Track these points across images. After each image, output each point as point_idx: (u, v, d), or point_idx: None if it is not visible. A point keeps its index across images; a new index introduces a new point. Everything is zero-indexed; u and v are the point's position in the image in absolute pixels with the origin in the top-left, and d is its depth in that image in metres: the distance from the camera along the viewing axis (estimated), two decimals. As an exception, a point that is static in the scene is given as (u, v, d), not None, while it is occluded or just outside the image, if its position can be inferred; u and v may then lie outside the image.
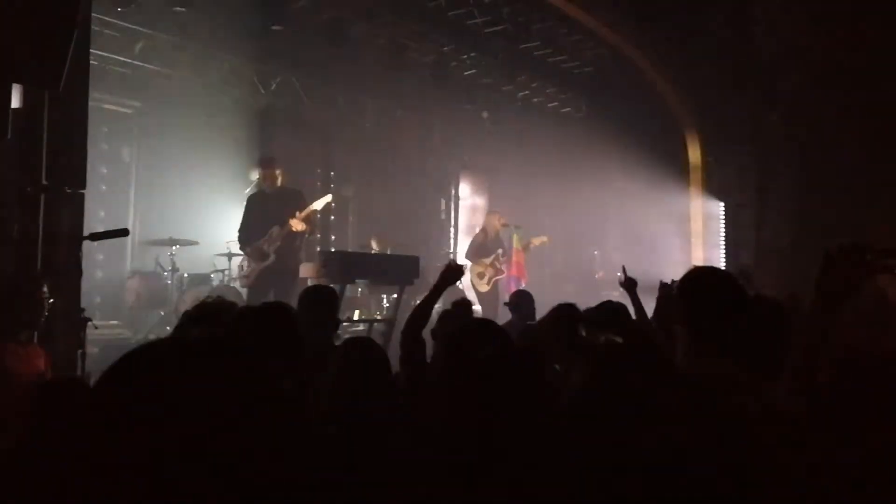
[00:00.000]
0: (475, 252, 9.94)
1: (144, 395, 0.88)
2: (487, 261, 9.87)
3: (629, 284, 4.85)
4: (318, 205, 7.56)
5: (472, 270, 9.88)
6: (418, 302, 3.90)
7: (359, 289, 8.77)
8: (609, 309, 4.56)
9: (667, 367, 2.30)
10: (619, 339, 2.68)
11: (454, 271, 3.91)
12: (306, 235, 7.45)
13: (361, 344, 3.04)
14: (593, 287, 11.73)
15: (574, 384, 2.00)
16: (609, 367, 2.06)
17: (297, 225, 7.19)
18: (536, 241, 10.44)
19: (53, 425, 1.94)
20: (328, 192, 9.13)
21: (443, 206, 14.14)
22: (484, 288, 9.83)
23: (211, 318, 2.89)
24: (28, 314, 3.97)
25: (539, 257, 11.71)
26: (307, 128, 11.75)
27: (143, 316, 9.29)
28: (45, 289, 4.08)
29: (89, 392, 0.95)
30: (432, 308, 3.81)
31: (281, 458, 0.99)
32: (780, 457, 2.07)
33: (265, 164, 7.57)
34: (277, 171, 7.47)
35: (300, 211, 7.36)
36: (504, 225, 10.19)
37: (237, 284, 8.02)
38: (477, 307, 10.23)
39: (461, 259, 11.25)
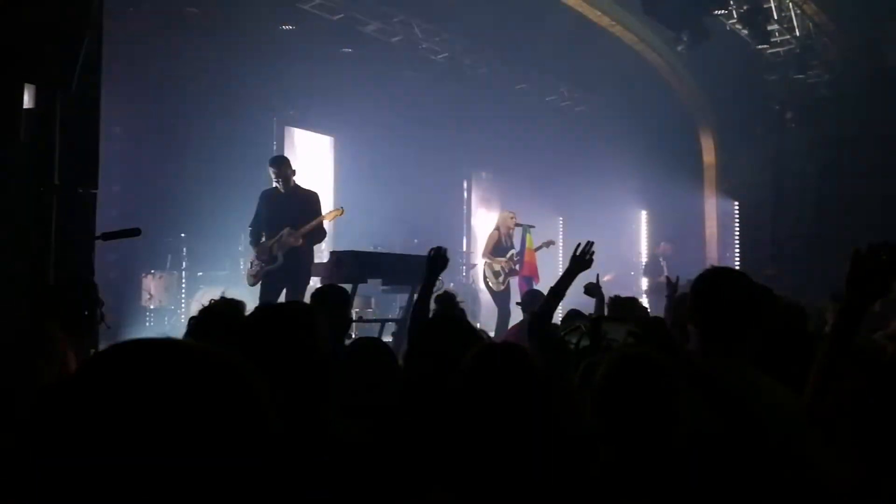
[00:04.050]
0: (491, 250, 9.93)
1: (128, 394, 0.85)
2: (503, 259, 9.85)
3: (591, 290, 4.97)
4: (328, 217, 7.51)
5: (488, 269, 9.87)
6: (415, 298, 3.89)
7: (380, 288, 8.76)
8: (622, 303, 4.56)
9: (683, 363, 2.27)
10: (637, 332, 2.65)
11: (439, 258, 3.86)
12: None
13: (370, 344, 3.03)
14: (603, 288, 11.66)
15: (597, 381, 1.99)
16: (627, 364, 2.04)
17: (291, 240, 7.16)
18: (545, 246, 10.43)
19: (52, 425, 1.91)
20: (340, 191, 9.09)
21: (456, 205, 14.12)
22: (499, 287, 9.81)
23: (218, 321, 2.87)
24: (89, 317, 3.97)
25: (553, 257, 11.69)
26: (319, 128, 11.78)
27: (156, 314, 9.35)
28: (101, 294, 4.10)
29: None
30: (429, 301, 3.81)
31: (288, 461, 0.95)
32: (797, 458, 2.04)
33: (276, 163, 7.52)
34: (290, 172, 7.42)
35: (315, 215, 7.32)
36: (517, 224, 10.16)
37: (246, 283, 8.00)
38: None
39: (478, 258, 11.24)
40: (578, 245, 3.79)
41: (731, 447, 2.04)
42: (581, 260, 3.73)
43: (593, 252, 3.76)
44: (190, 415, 0.84)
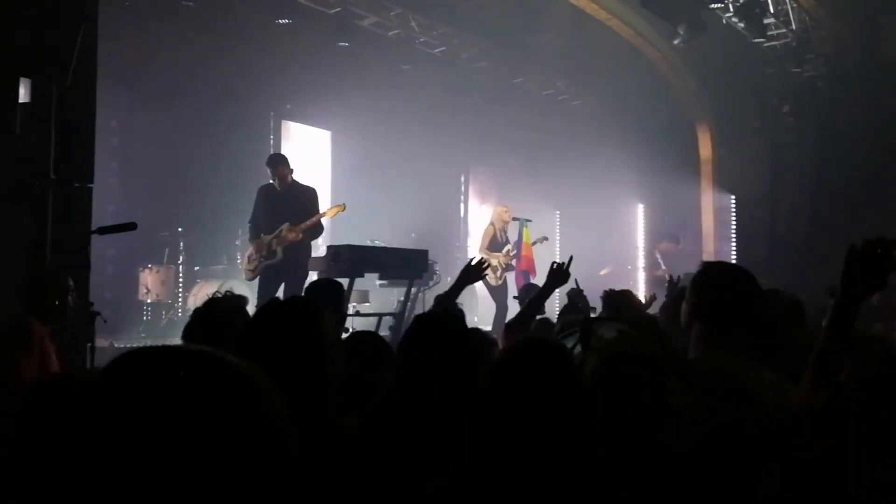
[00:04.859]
0: (488, 246, 9.92)
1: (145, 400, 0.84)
2: (500, 254, 9.85)
3: (573, 298, 4.98)
4: (329, 214, 7.51)
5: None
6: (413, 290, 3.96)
7: (378, 282, 8.79)
8: (616, 297, 4.55)
9: (676, 360, 2.27)
10: (629, 331, 2.65)
11: (474, 271, 3.91)
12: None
13: (366, 338, 3.03)
14: (600, 282, 11.68)
15: (585, 377, 1.98)
16: (616, 361, 2.04)
17: (291, 235, 7.16)
18: (539, 242, 10.42)
19: (44, 423, 1.91)
20: (337, 185, 9.03)
21: (453, 199, 14.11)
22: (497, 282, 9.81)
23: (221, 314, 2.87)
24: (60, 306, 3.96)
25: (550, 252, 11.69)
26: (316, 122, 11.77)
27: (153, 309, 9.35)
28: (71, 283, 4.09)
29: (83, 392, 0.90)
30: (451, 306, 3.83)
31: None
32: (796, 451, 2.05)
33: (274, 163, 7.52)
34: (287, 171, 7.42)
35: (313, 210, 7.32)
36: (513, 219, 10.16)
37: (244, 277, 8.00)
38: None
39: (475, 253, 11.23)
40: (554, 263, 3.92)
41: (728, 442, 2.04)
42: (558, 275, 3.82)
43: (567, 267, 3.87)
44: (205, 429, 0.82)
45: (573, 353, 3.37)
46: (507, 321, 4.21)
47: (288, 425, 0.89)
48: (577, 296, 5.02)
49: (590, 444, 1.65)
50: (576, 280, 5.05)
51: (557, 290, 5.13)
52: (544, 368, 1.71)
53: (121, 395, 0.84)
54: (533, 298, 3.83)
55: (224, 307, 3.00)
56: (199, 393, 0.85)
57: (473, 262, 4.02)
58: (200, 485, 0.81)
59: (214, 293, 3.21)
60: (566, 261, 3.92)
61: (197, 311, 3.08)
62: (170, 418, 0.82)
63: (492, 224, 10.12)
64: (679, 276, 5.08)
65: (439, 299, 3.82)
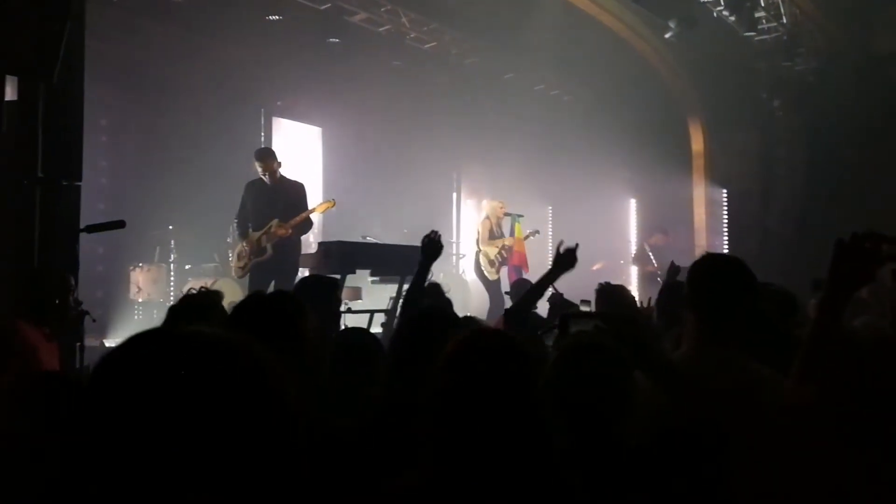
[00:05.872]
0: (486, 239, 9.94)
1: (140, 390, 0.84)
2: (497, 248, 9.88)
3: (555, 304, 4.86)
4: (319, 209, 7.50)
5: (484, 258, 9.87)
6: (406, 287, 3.86)
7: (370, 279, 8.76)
8: (611, 292, 4.53)
9: (650, 355, 2.23)
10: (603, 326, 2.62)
11: (433, 243, 3.77)
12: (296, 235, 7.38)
13: (357, 334, 3.02)
14: (593, 277, 11.66)
15: (548, 369, 1.98)
16: (574, 354, 2.04)
17: (280, 231, 7.15)
18: (532, 235, 10.43)
19: (34, 421, 1.89)
20: (329, 182, 8.99)
21: (445, 196, 14.09)
22: (494, 276, 9.83)
23: (198, 311, 2.86)
24: (61, 305, 3.90)
25: (542, 247, 11.70)
26: (307, 119, 11.74)
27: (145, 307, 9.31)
28: (73, 280, 4.04)
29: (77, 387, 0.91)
30: (423, 286, 3.76)
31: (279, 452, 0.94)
32: (789, 446, 2.04)
33: (262, 156, 7.49)
34: (275, 164, 7.40)
35: (302, 206, 7.31)
36: (506, 214, 10.17)
37: (234, 275, 7.98)
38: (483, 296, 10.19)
39: (470, 247, 11.22)
40: (562, 242, 3.68)
41: (703, 438, 2.03)
42: (566, 258, 3.60)
43: (575, 251, 3.63)
44: (213, 409, 0.84)
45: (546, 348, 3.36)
46: (506, 309, 4.12)
47: (296, 402, 0.91)
48: (558, 302, 4.90)
49: (544, 437, 1.62)
50: (553, 286, 4.96)
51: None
52: (492, 361, 1.66)
53: (134, 378, 0.85)
54: (535, 285, 3.71)
55: (199, 303, 3.00)
56: (218, 370, 0.87)
57: (429, 236, 3.83)
58: (215, 463, 0.83)
59: (189, 290, 3.21)
60: (574, 245, 3.68)
61: (173, 307, 3.07)
62: (187, 395, 0.83)
63: (488, 218, 10.14)
64: (679, 265, 5.03)
65: (410, 291, 3.73)
